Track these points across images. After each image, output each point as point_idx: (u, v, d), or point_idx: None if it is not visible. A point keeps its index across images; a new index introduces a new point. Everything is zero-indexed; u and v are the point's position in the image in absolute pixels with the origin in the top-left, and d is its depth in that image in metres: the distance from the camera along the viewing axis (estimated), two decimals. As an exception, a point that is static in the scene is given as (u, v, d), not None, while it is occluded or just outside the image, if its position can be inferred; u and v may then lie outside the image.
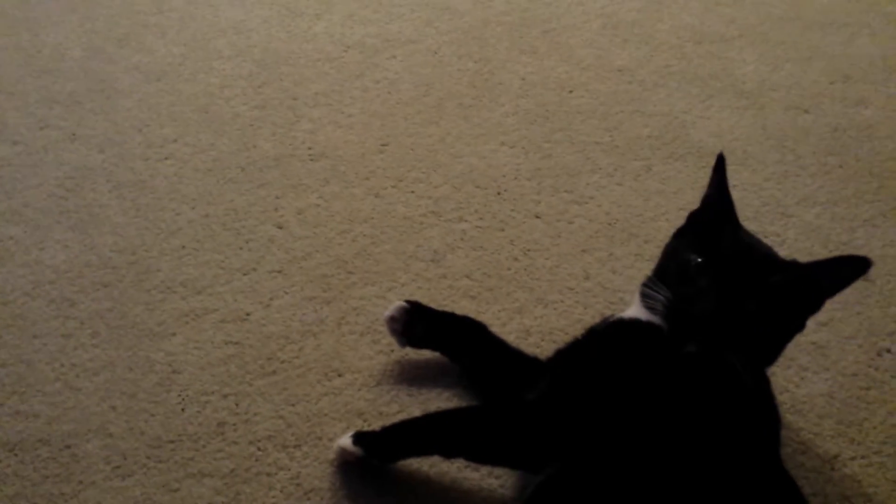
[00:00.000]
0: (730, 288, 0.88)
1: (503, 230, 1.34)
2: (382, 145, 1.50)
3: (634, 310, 0.98)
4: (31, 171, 1.44)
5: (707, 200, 1.00)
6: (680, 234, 1.01)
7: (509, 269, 1.28)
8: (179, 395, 1.12)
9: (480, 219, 1.36)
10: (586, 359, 0.96)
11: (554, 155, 1.48)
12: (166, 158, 1.47)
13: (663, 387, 0.89)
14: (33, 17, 1.79)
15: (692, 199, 1.37)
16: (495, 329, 1.14)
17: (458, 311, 1.15)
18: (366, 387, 1.13)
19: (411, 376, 1.14)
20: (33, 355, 1.16)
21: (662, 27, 1.77)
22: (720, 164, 0.98)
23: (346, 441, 1.00)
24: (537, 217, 1.36)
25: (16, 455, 1.05)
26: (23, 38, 1.74)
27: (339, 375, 1.14)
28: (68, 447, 1.06)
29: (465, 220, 1.36)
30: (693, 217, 1.02)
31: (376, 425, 1.02)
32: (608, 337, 0.97)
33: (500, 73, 1.65)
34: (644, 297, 0.95)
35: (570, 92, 1.61)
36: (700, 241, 0.94)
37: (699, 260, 0.91)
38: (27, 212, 1.37)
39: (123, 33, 1.75)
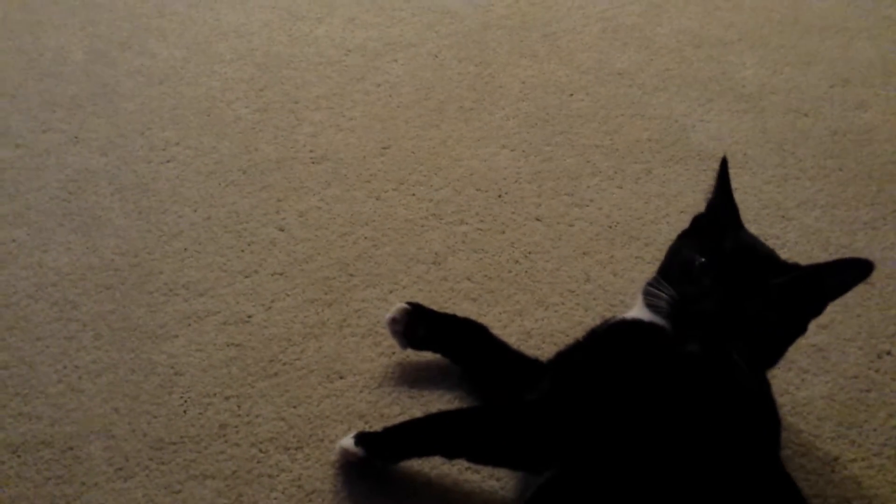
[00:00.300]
0: (733, 288, 0.88)
1: (504, 233, 1.35)
2: (383, 148, 1.50)
3: (637, 311, 0.98)
4: (33, 174, 1.44)
5: (711, 204, 1.01)
6: (684, 236, 1.02)
7: (510, 271, 1.29)
8: (181, 397, 1.12)
9: (481, 221, 1.37)
10: (588, 359, 0.96)
11: (554, 158, 1.48)
12: (168, 161, 1.47)
13: (665, 387, 0.89)
14: (35, 21, 1.80)
15: (692, 201, 1.38)
16: (496, 331, 1.14)
17: (460, 314, 1.15)
18: (367, 389, 1.13)
19: (412, 378, 1.14)
20: (36, 357, 1.17)
21: (662, 31, 1.78)
22: (723, 169, 0.98)
23: (347, 442, 1.00)
24: (538, 220, 1.37)
25: (18, 457, 1.06)
26: (25, 41, 1.74)
27: (341, 377, 1.14)
28: (71, 449, 1.06)
29: (466, 223, 1.36)
30: (697, 220, 1.02)
31: (378, 427, 1.02)
32: (610, 337, 0.97)
33: (501, 77, 1.66)
34: (648, 295, 0.96)
35: (571, 95, 1.62)
36: (704, 243, 0.94)
37: (703, 260, 0.91)
38: (30, 214, 1.37)
39: (125, 37, 1.76)
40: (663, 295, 0.92)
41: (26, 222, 1.36)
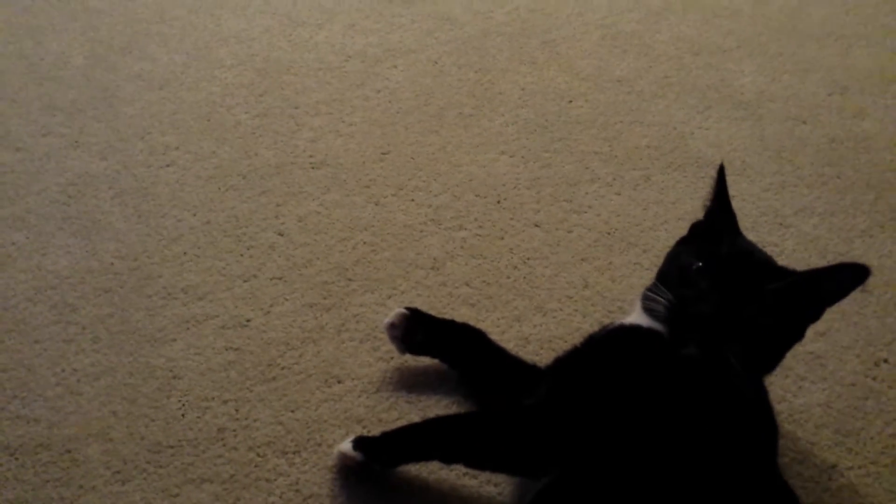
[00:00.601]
0: (730, 291, 0.88)
1: (503, 238, 1.35)
2: (383, 154, 1.50)
3: (635, 317, 0.98)
4: (33, 177, 1.45)
5: (709, 211, 1.01)
6: (682, 243, 1.02)
7: (508, 277, 1.29)
8: (180, 401, 1.12)
9: (480, 227, 1.37)
10: (586, 364, 0.96)
11: (553, 164, 1.48)
12: (168, 166, 1.47)
13: (663, 393, 0.89)
14: (36, 25, 1.80)
15: (691, 208, 1.39)
16: (494, 337, 1.15)
17: (458, 319, 1.15)
18: (365, 393, 1.13)
19: (410, 383, 1.14)
20: (34, 360, 1.17)
21: (661, 38, 1.78)
22: (721, 176, 0.99)
23: (346, 446, 1.00)
24: (536, 226, 1.37)
25: (16, 459, 1.06)
26: (26, 45, 1.75)
27: (339, 382, 1.14)
28: (69, 452, 1.06)
29: (465, 229, 1.36)
30: (695, 227, 1.03)
31: (375, 432, 1.02)
32: (608, 343, 0.97)
33: (500, 83, 1.66)
34: (646, 299, 0.96)
35: (570, 102, 1.62)
36: (701, 248, 0.95)
37: (699, 264, 0.92)
38: (30, 218, 1.37)
39: (126, 42, 1.76)
40: (661, 299, 0.93)
41: (26, 226, 1.36)
